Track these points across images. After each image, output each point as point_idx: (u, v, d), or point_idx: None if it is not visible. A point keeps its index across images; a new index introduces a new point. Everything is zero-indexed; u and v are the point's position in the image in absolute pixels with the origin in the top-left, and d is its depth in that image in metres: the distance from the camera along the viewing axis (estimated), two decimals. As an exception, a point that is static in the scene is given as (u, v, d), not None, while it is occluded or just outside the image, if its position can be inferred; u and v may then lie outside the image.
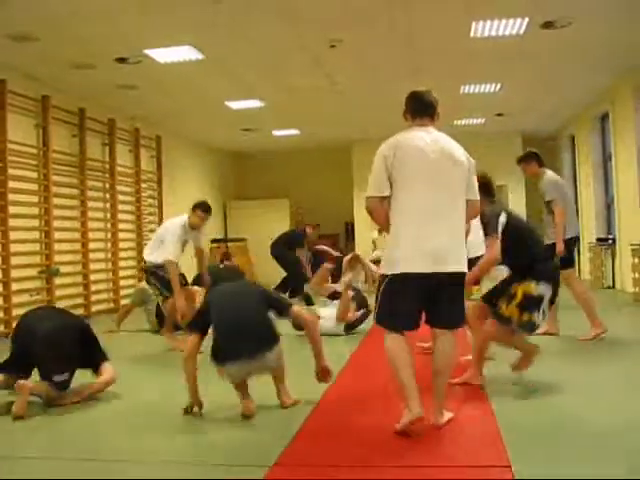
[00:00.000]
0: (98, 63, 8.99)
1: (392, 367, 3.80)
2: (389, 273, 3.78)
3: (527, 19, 7.95)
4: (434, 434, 3.78)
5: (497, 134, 16.09)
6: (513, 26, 8.18)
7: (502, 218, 4.80)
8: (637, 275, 10.11)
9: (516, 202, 17.01)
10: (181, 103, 11.85)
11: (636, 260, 10.17)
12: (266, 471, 3.29)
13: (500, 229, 4.75)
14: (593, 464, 3.24)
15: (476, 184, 4.04)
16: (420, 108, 4.35)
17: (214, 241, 16.05)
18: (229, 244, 16.12)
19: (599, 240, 13.06)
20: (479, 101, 12.47)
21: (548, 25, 8.15)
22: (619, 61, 9.96)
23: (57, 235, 9.94)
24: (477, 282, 5.81)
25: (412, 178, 3.84)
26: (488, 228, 4.76)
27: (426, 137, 4.05)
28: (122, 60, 8.89)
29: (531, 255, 4.83)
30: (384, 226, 3.96)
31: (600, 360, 5.88)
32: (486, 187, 4.89)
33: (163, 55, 8.82)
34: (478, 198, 4.01)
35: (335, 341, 7.31)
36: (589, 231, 13.88)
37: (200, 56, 8.90)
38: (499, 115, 14.07)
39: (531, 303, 4.64)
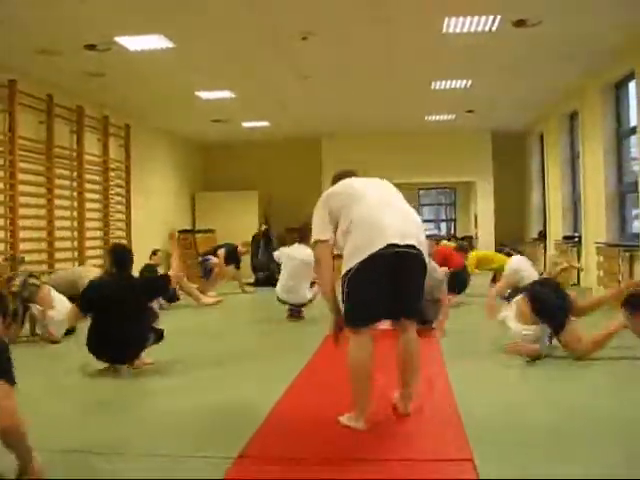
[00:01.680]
0: (66, 49, 8.84)
1: (352, 375, 3.79)
2: (354, 263, 3.73)
3: (499, 16, 7.98)
4: (399, 427, 3.78)
5: (467, 131, 16.19)
6: (485, 23, 8.20)
7: None
8: (602, 273, 10.24)
9: (484, 198, 17.16)
10: (151, 92, 11.73)
11: (601, 258, 10.29)
12: (230, 462, 3.28)
13: None
14: (559, 460, 3.28)
15: None
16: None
17: (182, 232, 15.94)
18: (197, 235, 16.03)
19: (565, 238, 13.20)
20: (450, 97, 12.52)
21: (520, 23, 8.19)
22: (588, 60, 10.05)
23: (22, 223, 9.78)
24: None
25: (357, 201, 3.88)
26: None
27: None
28: (91, 47, 8.75)
29: None
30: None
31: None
32: None
33: (133, 43, 8.70)
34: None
35: (308, 326, 7.33)
36: (556, 229, 14.03)
37: (171, 45, 8.80)
38: (469, 112, 14.15)
39: None
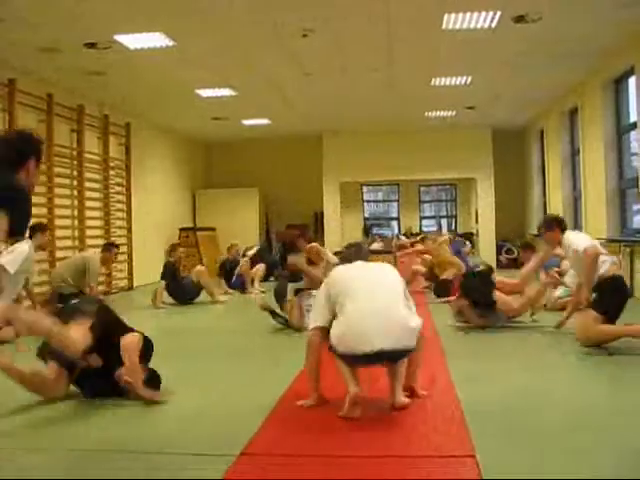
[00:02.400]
0: (66, 48, 8.84)
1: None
2: (339, 349, 4.05)
3: (499, 12, 7.98)
4: (401, 424, 3.79)
5: (467, 127, 16.18)
6: (485, 19, 8.20)
7: None
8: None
9: (485, 195, 17.15)
10: (151, 90, 11.73)
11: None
12: (232, 460, 3.28)
13: None
14: (559, 454, 3.28)
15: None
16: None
17: (183, 230, 15.96)
18: (198, 233, 16.04)
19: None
20: (450, 93, 12.51)
21: (519, 19, 8.19)
22: (588, 56, 10.05)
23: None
24: None
25: (350, 298, 4.10)
26: None
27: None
28: (91, 45, 8.76)
29: None
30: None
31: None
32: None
33: (133, 41, 8.71)
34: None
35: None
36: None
37: (171, 43, 8.80)
38: (470, 108, 14.14)
39: None
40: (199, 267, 11.11)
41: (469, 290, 7.54)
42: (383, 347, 3.85)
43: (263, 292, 11.24)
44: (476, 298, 7.36)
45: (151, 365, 4.61)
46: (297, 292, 7.68)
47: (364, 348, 3.87)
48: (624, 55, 9.58)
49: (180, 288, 10.28)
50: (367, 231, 20.82)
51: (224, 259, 12.77)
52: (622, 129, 10.65)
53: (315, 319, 4.26)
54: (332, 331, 4.04)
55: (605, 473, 3.03)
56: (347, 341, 3.94)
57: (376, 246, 17.44)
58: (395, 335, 3.91)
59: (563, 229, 6.43)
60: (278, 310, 7.80)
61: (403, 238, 17.52)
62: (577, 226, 12.93)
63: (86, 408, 4.38)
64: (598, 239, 10.49)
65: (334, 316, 4.09)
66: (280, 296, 8.04)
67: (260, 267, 12.39)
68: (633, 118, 9.92)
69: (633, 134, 10.14)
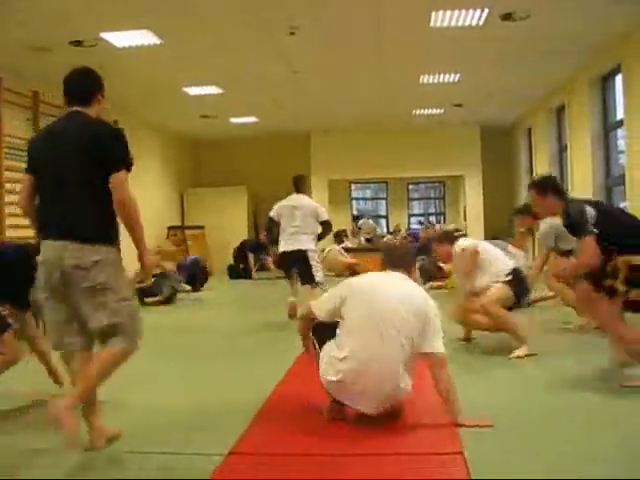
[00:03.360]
0: (52, 46, 8.79)
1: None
2: (342, 352, 3.78)
3: (487, 10, 7.99)
4: (390, 422, 3.79)
5: (456, 124, 16.20)
6: (473, 17, 8.22)
7: (590, 211, 4.46)
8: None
9: (473, 192, 17.19)
10: (138, 88, 11.68)
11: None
12: (221, 459, 3.27)
13: (592, 223, 4.41)
14: (544, 453, 3.29)
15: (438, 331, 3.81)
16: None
17: (171, 228, 15.91)
18: (186, 231, 16.01)
19: (554, 231, 13.21)
20: (438, 91, 12.53)
21: (507, 17, 8.21)
22: (576, 54, 10.08)
23: (9, 221, 9.72)
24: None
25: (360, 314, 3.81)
26: (578, 230, 4.48)
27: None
28: (77, 43, 8.71)
29: (628, 237, 4.49)
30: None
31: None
32: (553, 186, 4.83)
33: (120, 39, 8.67)
34: (437, 351, 3.77)
35: (290, 328, 7.31)
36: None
37: (158, 41, 8.78)
38: (458, 105, 14.16)
39: (637, 276, 4.38)
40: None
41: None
42: (366, 412, 3.74)
43: None
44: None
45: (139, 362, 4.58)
46: None
47: (350, 404, 3.78)
48: (611, 53, 9.62)
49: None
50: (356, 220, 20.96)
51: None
52: (609, 127, 10.70)
53: (319, 309, 3.99)
54: (342, 329, 3.84)
55: (597, 471, 3.04)
56: (337, 393, 3.79)
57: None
58: (382, 403, 3.74)
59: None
60: None
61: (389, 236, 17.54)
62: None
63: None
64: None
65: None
66: None
67: None
68: (620, 116, 9.96)
69: (620, 132, 10.18)
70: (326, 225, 8.19)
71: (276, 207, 8.31)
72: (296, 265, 7.96)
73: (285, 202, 8.30)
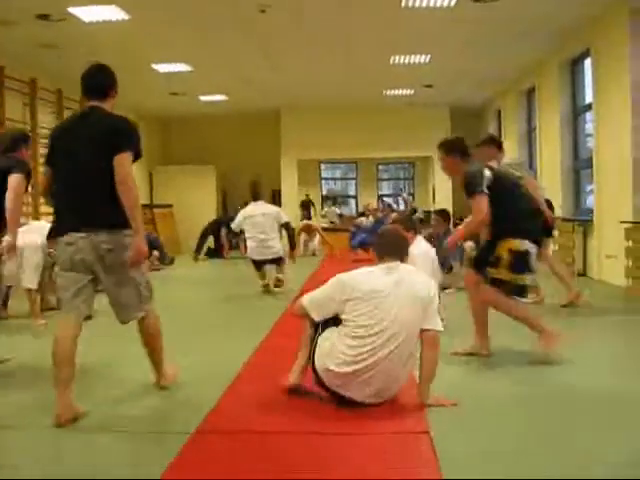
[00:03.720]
0: (18, 19, 8.61)
1: None
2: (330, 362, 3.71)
3: (458, -9, 7.99)
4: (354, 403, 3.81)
5: (426, 105, 16.23)
6: (444, -2, 8.21)
7: (487, 173, 4.60)
8: (556, 247, 10.38)
9: (442, 172, 17.21)
10: (106, 64, 11.48)
11: (556, 233, 10.42)
12: (187, 438, 3.27)
13: (486, 184, 4.54)
14: (509, 433, 3.34)
15: (436, 310, 3.79)
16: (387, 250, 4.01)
17: (139, 207, 15.76)
18: (155, 210, 15.88)
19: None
20: (408, 72, 12.53)
21: (478, -2, 8.21)
22: (546, 37, 10.13)
23: None
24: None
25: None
26: (470, 187, 4.57)
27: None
28: (44, 17, 8.54)
29: (516, 212, 4.65)
30: None
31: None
32: (461, 147, 4.90)
33: (87, 14, 8.54)
34: (435, 328, 3.73)
35: (266, 302, 7.34)
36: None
37: (126, 16, 8.65)
38: (428, 86, 14.17)
39: (519, 260, 4.51)
40: None
41: None
42: (365, 402, 3.68)
43: None
44: None
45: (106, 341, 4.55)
46: None
47: (343, 392, 3.69)
48: (581, 37, 9.68)
49: None
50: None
51: None
52: (578, 110, 10.78)
53: (312, 308, 3.86)
54: (322, 357, 3.72)
55: (563, 450, 3.09)
56: (331, 382, 3.70)
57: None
58: (381, 397, 3.72)
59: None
60: None
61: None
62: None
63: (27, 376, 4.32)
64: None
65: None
66: None
67: None
68: (589, 99, 10.04)
69: (588, 115, 10.27)
70: (287, 226, 8.84)
71: (241, 219, 8.68)
72: (268, 263, 8.70)
73: (250, 212, 8.66)
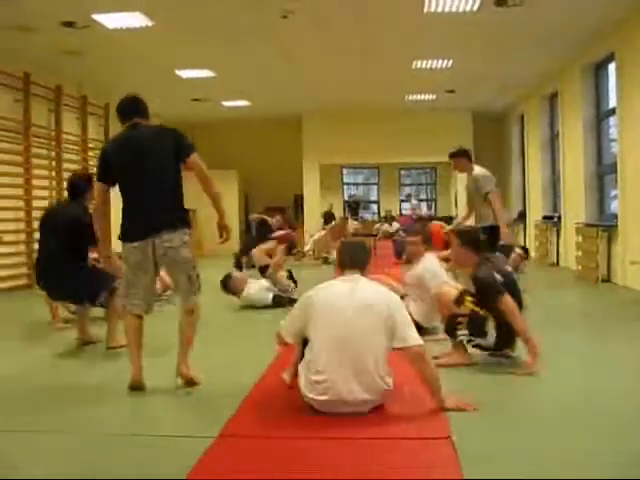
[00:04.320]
0: (43, 27, 8.71)
1: None
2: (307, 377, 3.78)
3: (481, -4, 7.97)
4: (378, 407, 3.80)
5: (448, 110, 16.18)
6: (467, 2, 8.18)
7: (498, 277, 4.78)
8: (580, 253, 10.31)
9: (465, 178, 17.15)
10: (130, 71, 11.61)
11: (580, 238, 10.37)
12: (210, 442, 3.28)
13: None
14: (530, 437, 3.32)
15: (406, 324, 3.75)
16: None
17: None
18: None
19: (545, 218, 13.28)
20: (431, 77, 12.50)
21: (501, 2, 8.17)
22: (570, 41, 10.06)
23: (0, 203, 9.70)
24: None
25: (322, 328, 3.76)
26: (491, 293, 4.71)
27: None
28: (69, 24, 8.63)
29: None
30: None
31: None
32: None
33: (112, 21, 8.60)
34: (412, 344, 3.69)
35: (279, 312, 7.32)
36: (536, 209, 14.10)
37: (150, 23, 8.71)
38: (450, 91, 14.14)
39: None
40: None
41: None
42: (343, 412, 3.67)
43: None
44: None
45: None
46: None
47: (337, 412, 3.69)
48: (605, 41, 9.61)
49: None
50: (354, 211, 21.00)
51: None
52: (601, 115, 10.70)
53: (287, 332, 3.97)
54: (309, 353, 3.78)
55: (581, 458, 3.07)
56: (321, 407, 3.69)
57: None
58: (367, 406, 3.70)
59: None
60: None
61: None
62: (556, 210, 13.02)
63: (62, 389, 4.36)
64: (576, 223, 10.67)
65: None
66: None
67: None
68: (613, 104, 9.96)
69: (612, 120, 10.19)
70: None
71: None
72: None
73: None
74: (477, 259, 4.88)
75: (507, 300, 4.58)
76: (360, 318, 3.68)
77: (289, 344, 4.04)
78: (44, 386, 4.50)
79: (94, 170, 4.69)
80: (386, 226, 18.33)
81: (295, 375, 3.98)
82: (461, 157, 7.38)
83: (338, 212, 20.14)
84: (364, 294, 3.79)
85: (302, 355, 3.88)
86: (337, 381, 3.61)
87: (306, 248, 14.69)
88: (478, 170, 7.27)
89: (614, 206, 10.31)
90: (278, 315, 7.34)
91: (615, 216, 9.69)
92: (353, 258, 4.01)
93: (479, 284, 4.76)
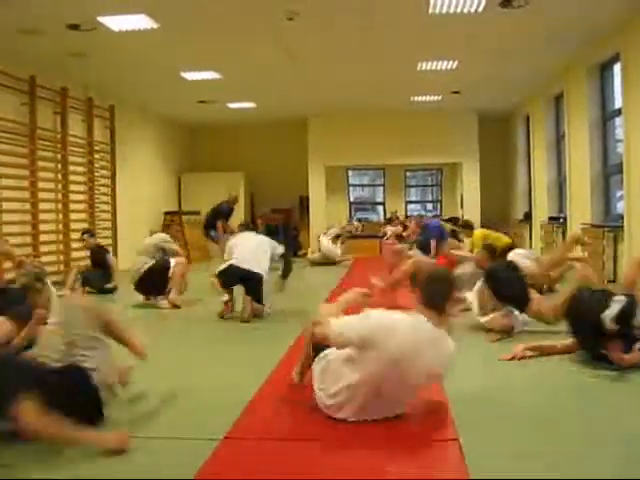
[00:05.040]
0: (49, 29, 8.74)
1: None
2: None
3: (486, -3, 7.96)
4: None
5: (453, 111, 16.17)
6: (471, 3, 8.17)
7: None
8: (586, 254, 10.27)
9: (470, 179, 17.18)
10: (135, 73, 11.63)
11: (586, 239, 10.32)
12: (216, 444, 3.29)
13: None
14: (540, 437, 3.31)
15: None
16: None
17: (167, 213, 15.88)
18: (183, 217, 15.97)
19: (551, 219, 13.25)
20: (436, 78, 12.49)
21: (506, 3, 8.16)
22: (574, 42, 10.05)
23: (5, 206, 9.72)
24: None
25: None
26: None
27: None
28: (74, 27, 8.66)
29: None
30: None
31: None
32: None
33: (117, 23, 8.61)
34: None
35: (285, 317, 7.34)
36: (541, 210, 14.07)
37: (155, 25, 8.72)
38: (455, 92, 14.12)
39: None
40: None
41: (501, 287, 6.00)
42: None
43: None
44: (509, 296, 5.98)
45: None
46: None
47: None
48: (610, 41, 9.59)
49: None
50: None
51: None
52: (607, 115, 10.68)
53: (353, 329, 3.54)
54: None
55: (589, 462, 3.06)
56: (334, 413, 3.61)
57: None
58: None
59: None
60: None
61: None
62: (562, 210, 12.99)
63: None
64: (582, 224, 10.63)
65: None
66: None
67: None
68: (618, 104, 9.94)
69: (618, 120, 10.17)
70: None
71: None
72: None
73: None
74: None
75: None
76: (425, 372, 3.52)
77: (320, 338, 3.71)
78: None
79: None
80: (393, 227, 18.16)
81: (303, 374, 3.99)
82: None
83: (345, 214, 20.17)
84: (437, 351, 3.52)
85: (312, 355, 3.87)
86: (359, 406, 3.55)
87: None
88: None
89: (620, 206, 10.29)
90: (277, 319, 7.38)
91: (621, 217, 9.66)
92: (434, 297, 3.60)
93: None
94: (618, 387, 4.25)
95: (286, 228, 15.83)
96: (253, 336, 6.52)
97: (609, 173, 10.65)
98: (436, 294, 3.60)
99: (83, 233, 10.29)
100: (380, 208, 22.27)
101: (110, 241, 12.89)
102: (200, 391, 4.35)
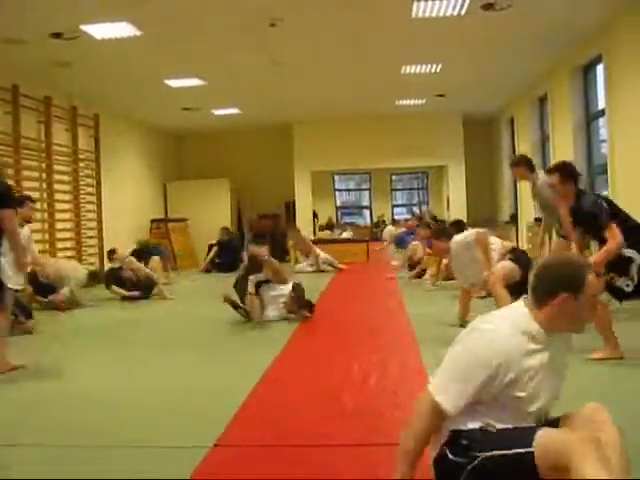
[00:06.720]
0: (31, 38, 8.70)
1: None
2: None
3: (468, 0, 7.98)
4: (372, 412, 3.79)
5: (438, 115, 16.23)
6: (454, 7, 8.20)
7: (603, 204, 4.93)
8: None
9: (456, 182, 17.23)
10: (119, 81, 11.59)
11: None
12: (206, 452, 3.27)
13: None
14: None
15: None
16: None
17: (154, 221, 15.83)
18: (169, 224, 15.93)
19: (537, 220, 13.28)
20: (420, 81, 12.52)
21: (488, 7, 8.20)
22: (557, 44, 10.09)
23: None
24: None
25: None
26: (600, 219, 4.81)
27: None
28: (57, 36, 8.62)
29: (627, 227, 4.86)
30: None
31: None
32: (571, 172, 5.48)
33: (100, 31, 8.59)
34: None
35: (276, 324, 7.31)
36: (528, 211, 14.11)
37: (138, 33, 8.70)
38: (440, 96, 14.17)
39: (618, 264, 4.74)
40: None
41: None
42: None
43: None
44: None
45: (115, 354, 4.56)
46: (258, 285, 7.58)
47: None
48: (593, 43, 9.65)
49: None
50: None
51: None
52: (591, 116, 10.74)
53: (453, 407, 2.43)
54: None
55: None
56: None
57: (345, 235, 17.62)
58: None
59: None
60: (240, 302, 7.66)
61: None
62: (547, 212, 13.03)
63: (53, 398, 4.32)
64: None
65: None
66: (241, 288, 7.68)
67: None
68: (602, 105, 9.99)
69: (602, 121, 10.22)
70: None
71: None
72: None
73: None
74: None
75: (615, 231, 4.70)
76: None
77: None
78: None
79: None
80: (390, 228, 18.08)
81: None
82: (519, 166, 7.01)
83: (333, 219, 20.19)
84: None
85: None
86: None
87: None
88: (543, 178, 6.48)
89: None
90: (270, 322, 7.36)
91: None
92: (538, 290, 2.53)
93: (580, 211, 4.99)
94: (610, 389, 4.26)
95: (274, 234, 15.77)
96: (242, 343, 6.51)
97: (594, 173, 10.70)
98: None
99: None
100: (367, 212, 22.34)
101: (96, 250, 12.83)
102: (186, 398, 4.32)
